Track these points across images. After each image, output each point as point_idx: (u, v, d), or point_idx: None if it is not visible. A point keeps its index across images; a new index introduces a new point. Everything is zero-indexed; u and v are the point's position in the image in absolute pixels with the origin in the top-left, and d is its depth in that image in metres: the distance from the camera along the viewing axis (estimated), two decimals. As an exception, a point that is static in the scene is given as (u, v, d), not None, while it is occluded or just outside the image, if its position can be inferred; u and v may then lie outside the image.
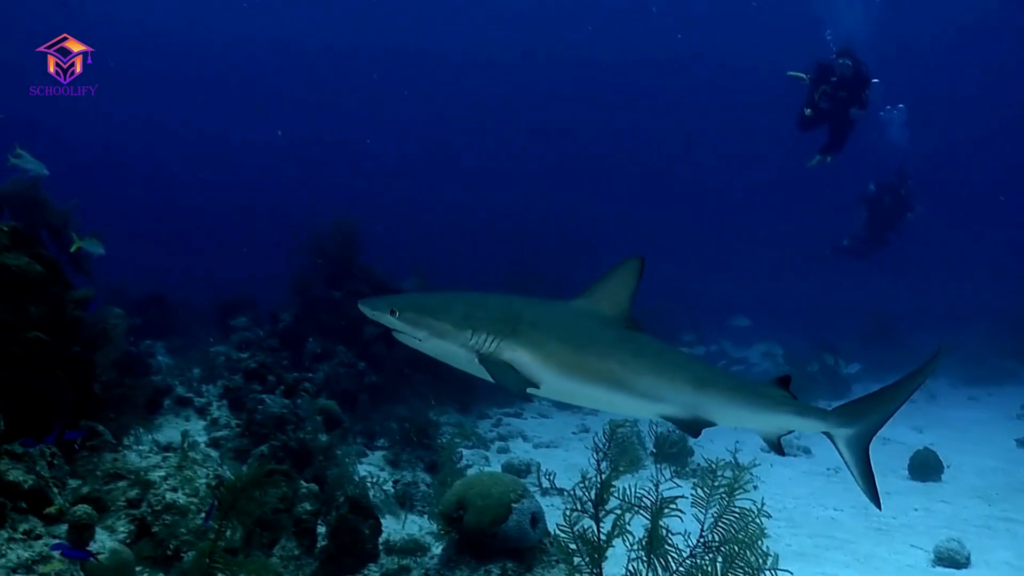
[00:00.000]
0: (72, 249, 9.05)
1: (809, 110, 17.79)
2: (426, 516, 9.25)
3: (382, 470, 11.08)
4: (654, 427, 11.90)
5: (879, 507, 5.54)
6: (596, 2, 60.01)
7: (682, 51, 60.88)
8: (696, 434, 5.17)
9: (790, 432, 5.51)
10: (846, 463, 5.54)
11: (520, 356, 4.88)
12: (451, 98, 67.39)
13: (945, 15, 50.18)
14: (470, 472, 10.61)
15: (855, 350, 24.44)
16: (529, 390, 4.96)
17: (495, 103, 67.82)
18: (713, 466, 6.06)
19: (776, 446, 5.52)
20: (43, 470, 5.75)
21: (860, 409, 5.52)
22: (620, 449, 6.53)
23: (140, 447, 8.48)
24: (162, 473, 6.33)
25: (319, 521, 7.23)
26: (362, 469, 10.47)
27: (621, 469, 6.35)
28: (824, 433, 5.54)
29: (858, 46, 18.50)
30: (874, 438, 5.57)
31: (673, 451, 12.19)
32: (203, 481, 6.29)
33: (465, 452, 11.82)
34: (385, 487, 10.04)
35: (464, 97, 67.24)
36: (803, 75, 17.80)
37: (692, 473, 11.00)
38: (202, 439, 10.72)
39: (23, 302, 6.83)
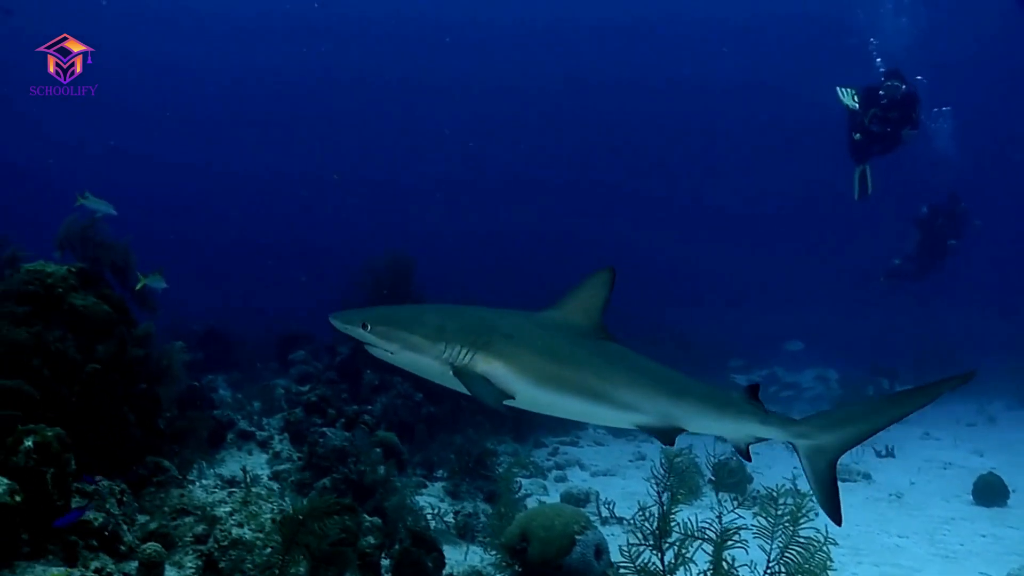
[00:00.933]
0: (138, 287, 9.17)
1: (858, 135, 17.56)
2: (488, 547, 9.25)
3: (442, 501, 11.10)
4: (711, 456, 11.83)
5: (839, 524, 5.48)
6: (631, 21, 59.91)
7: (725, 70, 60.56)
8: (671, 442, 5.21)
9: (759, 440, 5.51)
10: (805, 474, 5.51)
11: (495, 368, 4.89)
12: (485, 123, 67.49)
13: (991, 20, 49.24)
14: (529, 502, 10.62)
15: (911, 374, 24.06)
16: (504, 401, 4.97)
17: (535, 129, 68.00)
18: (774, 494, 6.03)
19: (744, 453, 5.53)
20: (113, 507, 5.85)
21: (828, 422, 5.47)
22: (679, 478, 6.51)
23: (204, 481, 8.60)
24: (228, 508, 6.39)
25: (382, 554, 7.25)
26: (422, 500, 10.49)
27: (679, 498, 6.34)
28: (789, 443, 5.54)
29: (902, 52, 18.28)
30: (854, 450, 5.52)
31: (732, 480, 12.09)
32: (268, 516, 6.36)
33: (523, 481, 11.82)
34: (446, 518, 10.06)
35: (500, 123, 67.42)
36: (853, 97, 17.56)
37: (752, 501, 10.91)
38: (264, 472, 10.84)
39: (91, 341, 6.97)
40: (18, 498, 4.75)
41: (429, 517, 9.71)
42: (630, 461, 15.58)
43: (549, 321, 5.31)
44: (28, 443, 5.06)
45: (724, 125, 64.68)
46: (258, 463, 11.43)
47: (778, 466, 12.61)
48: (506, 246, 59.62)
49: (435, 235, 54.57)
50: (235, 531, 6.13)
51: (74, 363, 6.71)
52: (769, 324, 36.59)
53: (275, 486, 9.94)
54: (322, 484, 9.59)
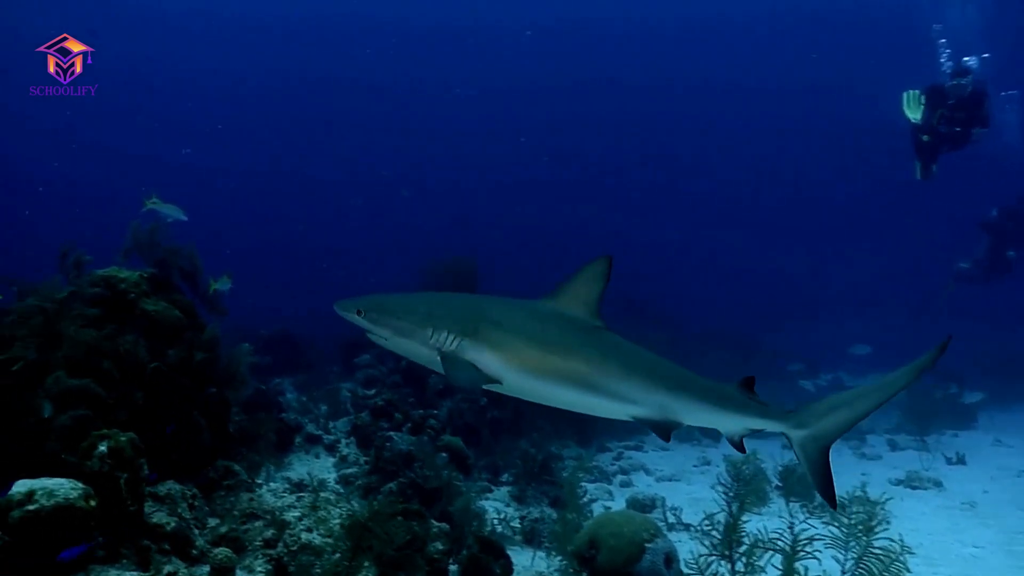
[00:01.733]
0: (211, 292, 9.24)
1: (926, 136, 17.16)
2: (553, 552, 9.19)
3: (507, 506, 11.07)
4: (778, 465, 11.66)
5: (835, 508, 5.60)
6: (675, 22, 59.34)
7: (791, 64, 59.69)
8: (667, 437, 5.23)
9: (753, 432, 5.52)
10: (799, 462, 5.53)
11: (483, 355, 4.94)
12: (528, 124, 67.41)
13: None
14: (594, 507, 10.56)
15: (980, 378, 23.52)
16: (492, 387, 5.00)
17: (580, 132, 67.77)
18: (845, 502, 5.95)
19: (739, 445, 5.55)
20: (184, 512, 5.91)
21: (818, 412, 5.52)
22: (746, 485, 6.44)
23: (273, 484, 8.66)
24: (297, 513, 6.44)
25: (450, 560, 7.23)
26: (488, 505, 10.50)
27: (747, 506, 6.28)
28: (782, 433, 5.56)
29: (967, 37, 17.82)
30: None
31: (801, 487, 11.89)
32: (336, 521, 6.38)
33: (588, 486, 11.75)
34: (512, 523, 10.03)
35: (546, 124, 67.27)
36: (920, 99, 17.15)
37: (822, 508, 10.73)
38: (331, 476, 10.91)
39: (162, 346, 7.06)
40: (93, 503, 4.80)
41: (495, 522, 9.69)
42: (695, 466, 15.42)
43: (543, 310, 5.33)
44: (102, 448, 5.12)
45: (790, 124, 63.63)
46: (325, 467, 11.51)
47: (845, 474, 12.37)
48: (566, 244, 59.48)
49: (503, 234, 54.74)
50: (304, 536, 6.16)
51: (144, 366, 6.79)
52: (837, 329, 36.07)
53: (342, 490, 10.00)
54: (388, 488, 9.61)
